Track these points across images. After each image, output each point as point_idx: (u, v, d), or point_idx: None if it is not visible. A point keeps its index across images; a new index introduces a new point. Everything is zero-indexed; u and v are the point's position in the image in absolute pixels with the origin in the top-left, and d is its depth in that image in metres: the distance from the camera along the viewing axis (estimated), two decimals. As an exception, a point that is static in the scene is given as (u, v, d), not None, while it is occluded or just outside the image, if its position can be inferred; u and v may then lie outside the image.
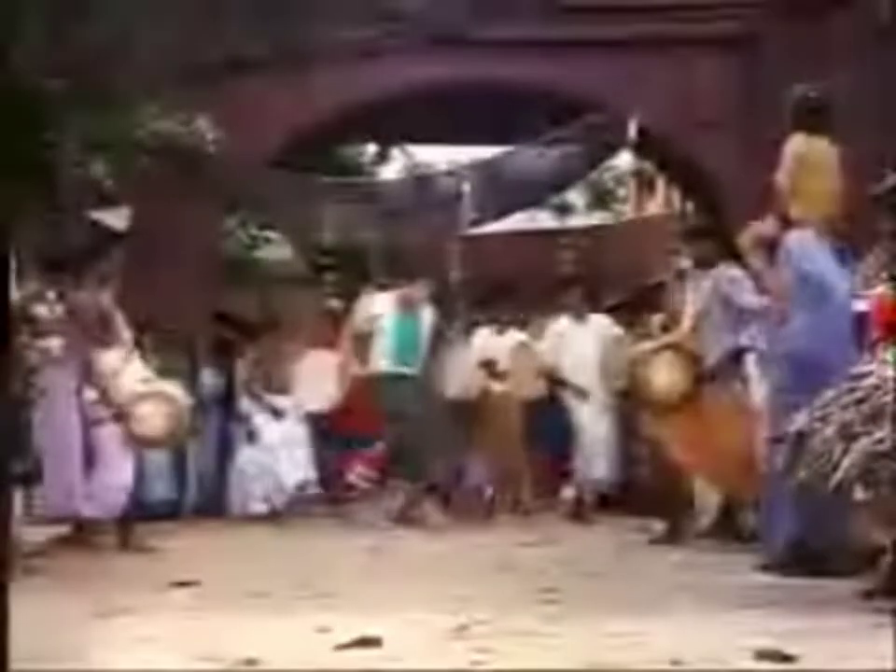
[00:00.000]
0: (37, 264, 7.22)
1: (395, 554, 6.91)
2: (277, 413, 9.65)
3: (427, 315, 9.14)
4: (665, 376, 6.92)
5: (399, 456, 8.87)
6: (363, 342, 9.12)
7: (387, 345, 8.95)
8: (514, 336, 9.93)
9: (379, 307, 9.17)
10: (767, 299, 6.43)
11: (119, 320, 7.24)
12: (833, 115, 6.03)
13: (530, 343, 9.84)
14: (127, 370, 7.09)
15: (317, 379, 9.74)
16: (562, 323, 9.47)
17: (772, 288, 6.22)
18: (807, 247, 5.81)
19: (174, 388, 7.35)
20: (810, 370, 5.45)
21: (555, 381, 9.37)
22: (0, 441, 4.94)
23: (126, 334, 7.26)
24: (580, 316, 9.39)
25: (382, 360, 8.94)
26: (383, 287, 9.64)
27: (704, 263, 7.35)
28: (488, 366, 9.61)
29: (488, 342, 9.87)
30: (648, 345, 7.45)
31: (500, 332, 9.92)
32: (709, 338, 7.10)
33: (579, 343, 9.29)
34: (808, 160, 5.88)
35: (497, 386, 9.61)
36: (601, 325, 9.47)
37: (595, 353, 9.23)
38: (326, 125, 11.30)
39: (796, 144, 5.91)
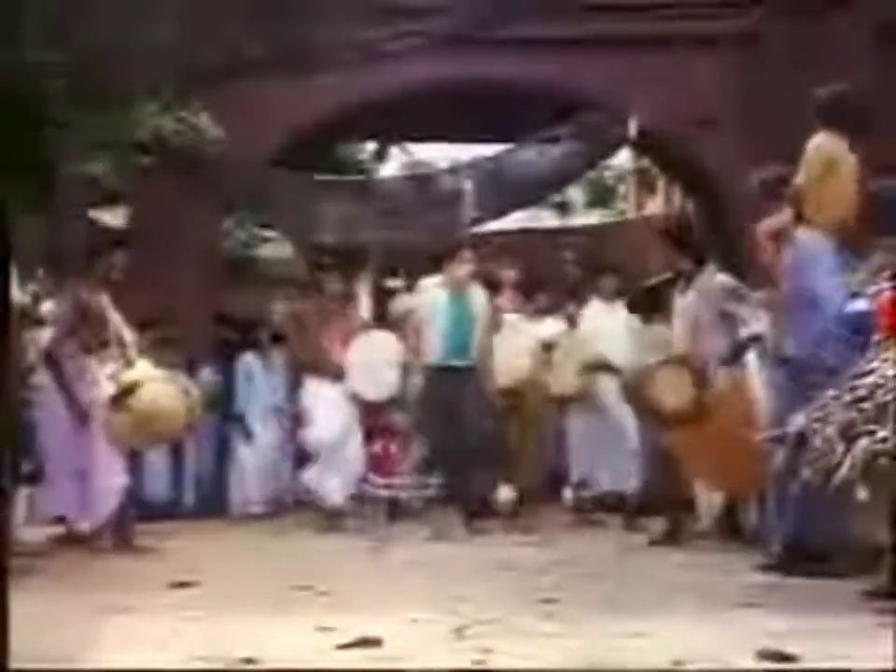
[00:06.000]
0: (38, 264, 7.19)
1: (395, 554, 6.91)
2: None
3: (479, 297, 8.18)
4: (669, 391, 6.92)
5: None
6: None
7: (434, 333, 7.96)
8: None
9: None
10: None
11: (118, 322, 7.15)
12: (866, 117, 6.01)
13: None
14: (120, 373, 6.91)
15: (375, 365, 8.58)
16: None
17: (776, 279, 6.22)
18: (814, 249, 5.81)
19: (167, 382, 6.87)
20: (805, 370, 5.47)
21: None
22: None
23: (128, 336, 7.16)
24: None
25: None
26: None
27: (686, 272, 7.35)
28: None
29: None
30: (651, 359, 7.42)
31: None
32: (704, 345, 7.10)
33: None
34: (830, 161, 5.85)
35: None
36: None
37: None
38: (326, 125, 11.30)
39: (821, 144, 5.88)
